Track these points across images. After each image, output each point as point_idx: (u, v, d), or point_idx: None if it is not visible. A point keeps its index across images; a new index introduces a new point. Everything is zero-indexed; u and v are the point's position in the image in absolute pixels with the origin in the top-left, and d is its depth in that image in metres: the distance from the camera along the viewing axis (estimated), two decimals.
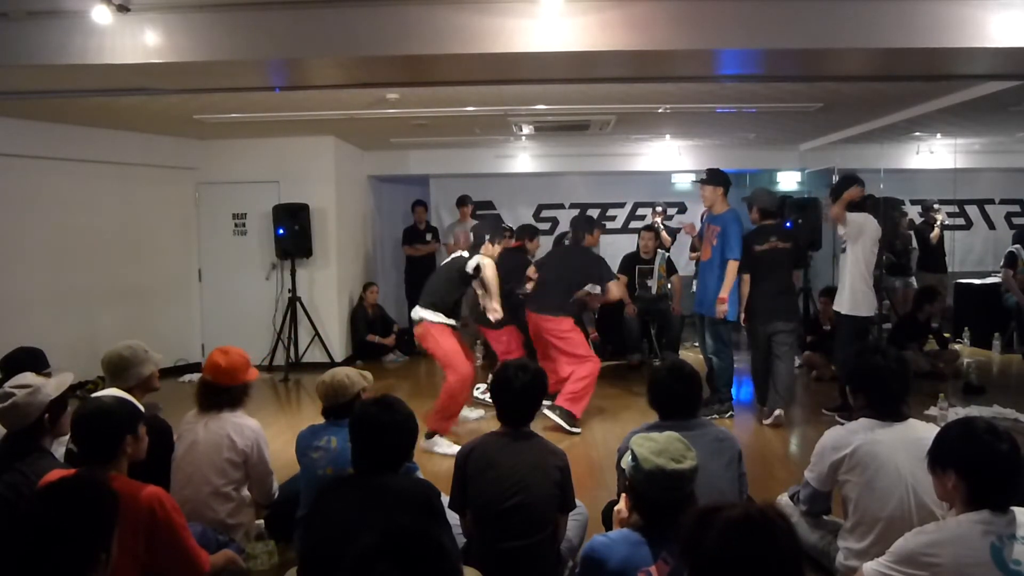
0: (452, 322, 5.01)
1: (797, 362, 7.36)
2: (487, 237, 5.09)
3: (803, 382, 6.86)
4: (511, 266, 6.19)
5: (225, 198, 7.80)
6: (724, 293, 5.25)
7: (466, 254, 5.09)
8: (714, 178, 5.51)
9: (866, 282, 5.28)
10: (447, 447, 4.72)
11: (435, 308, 4.94)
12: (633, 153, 9.07)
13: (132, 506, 2.19)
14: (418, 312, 4.99)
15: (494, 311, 4.97)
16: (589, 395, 5.40)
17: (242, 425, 3.15)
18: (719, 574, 1.42)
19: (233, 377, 3.18)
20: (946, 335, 7.50)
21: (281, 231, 7.45)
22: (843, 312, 5.33)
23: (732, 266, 5.27)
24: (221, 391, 3.18)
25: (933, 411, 5.11)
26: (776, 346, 5.41)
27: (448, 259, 5.33)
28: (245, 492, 3.21)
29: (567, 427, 5.19)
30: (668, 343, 7.54)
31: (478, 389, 6.20)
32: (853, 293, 5.27)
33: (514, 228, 7.44)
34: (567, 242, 6.88)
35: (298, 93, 5.33)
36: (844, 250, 5.37)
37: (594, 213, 9.98)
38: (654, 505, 2.12)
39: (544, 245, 8.52)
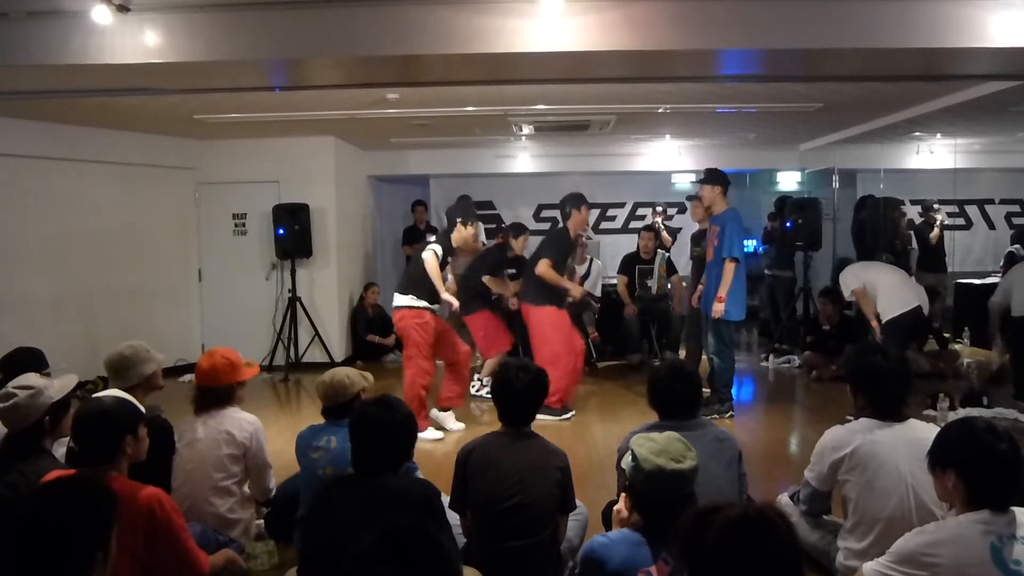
0: (428, 305, 4.98)
1: (797, 362, 7.39)
2: (459, 219, 5.08)
3: (803, 382, 6.86)
4: (492, 262, 6.25)
5: (225, 198, 7.79)
6: (722, 292, 5.24)
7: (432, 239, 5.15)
8: (711, 177, 5.50)
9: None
10: (434, 434, 4.88)
11: (408, 292, 4.97)
12: (633, 153, 9.07)
13: (131, 507, 2.19)
14: (395, 299, 5.04)
15: (446, 301, 5.02)
16: (572, 387, 5.53)
17: (240, 419, 3.17)
18: (718, 574, 1.42)
19: (215, 379, 3.17)
20: (946, 335, 7.50)
21: (281, 231, 7.45)
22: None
23: (730, 266, 5.23)
24: (208, 392, 3.19)
25: (932, 411, 5.10)
26: None
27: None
28: (246, 488, 3.22)
29: (559, 419, 5.31)
30: (668, 343, 7.54)
31: (473, 387, 6.23)
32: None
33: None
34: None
35: (298, 93, 5.33)
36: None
37: (594, 213, 9.98)
38: (654, 505, 2.12)
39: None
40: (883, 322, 5.62)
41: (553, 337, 5.45)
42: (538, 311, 5.47)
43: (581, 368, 5.88)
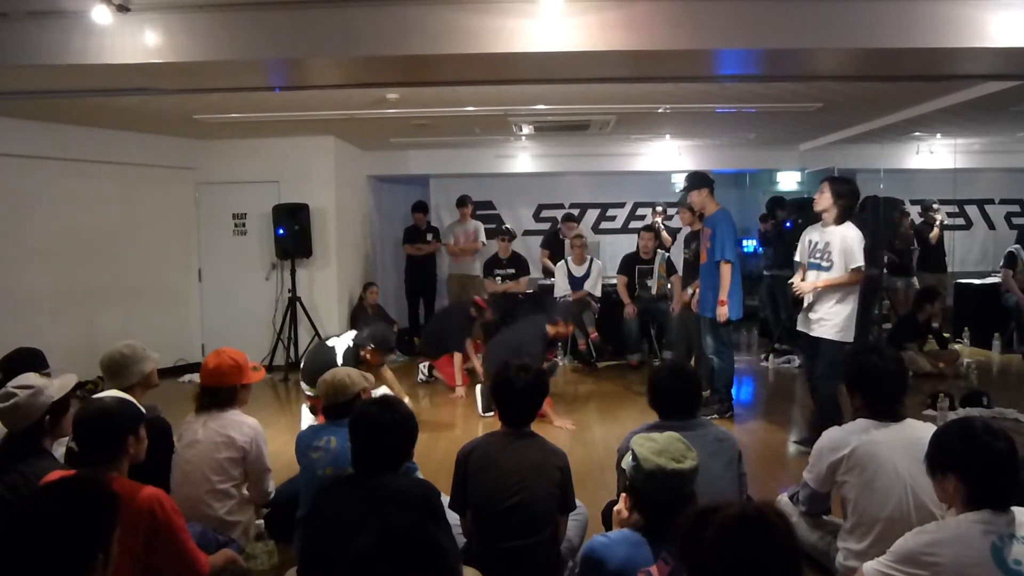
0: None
1: (797, 362, 7.39)
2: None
3: (803, 382, 6.85)
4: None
5: (225, 198, 7.79)
6: (723, 295, 5.21)
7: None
8: (695, 182, 5.47)
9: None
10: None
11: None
12: (633, 153, 9.07)
13: (131, 507, 2.19)
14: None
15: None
16: None
17: (241, 423, 3.15)
18: (718, 574, 1.42)
19: (220, 379, 3.16)
20: (946, 335, 7.50)
21: (281, 231, 7.45)
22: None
23: (726, 268, 5.21)
24: (211, 392, 3.18)
25: (932, 411, 5.10)
26: None
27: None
28: (244, 491, 3.21)
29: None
30: (668, 343, 7.54)
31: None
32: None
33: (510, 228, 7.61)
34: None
35: (298, 93, 5.33)
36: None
37: (594, 213, 9.99)
38: (654, 505, 2.12)
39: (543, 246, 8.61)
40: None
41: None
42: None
43: None
